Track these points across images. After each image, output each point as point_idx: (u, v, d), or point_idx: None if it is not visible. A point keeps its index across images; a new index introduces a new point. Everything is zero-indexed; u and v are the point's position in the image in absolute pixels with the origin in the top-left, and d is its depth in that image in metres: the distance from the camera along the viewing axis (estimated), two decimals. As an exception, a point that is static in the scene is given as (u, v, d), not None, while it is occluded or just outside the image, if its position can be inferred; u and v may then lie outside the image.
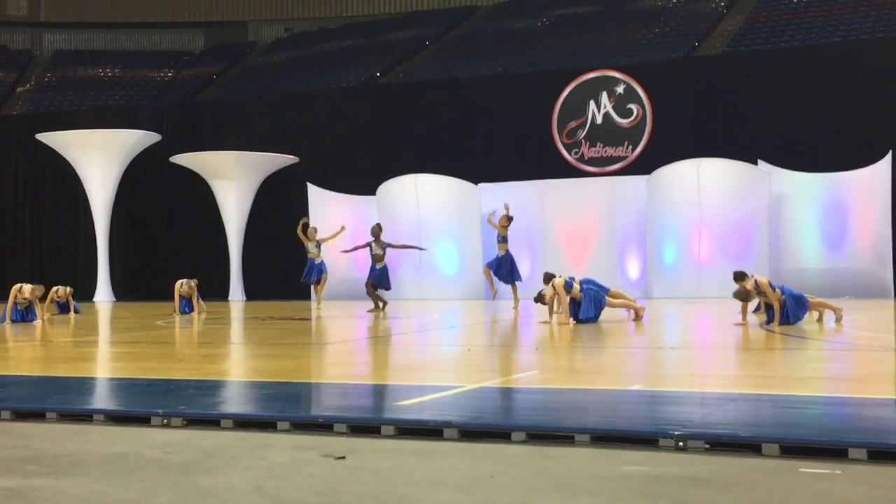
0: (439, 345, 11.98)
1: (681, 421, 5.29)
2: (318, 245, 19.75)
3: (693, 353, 10.14)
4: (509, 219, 18.63)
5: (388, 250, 18.69)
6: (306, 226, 20.07)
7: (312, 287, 20.24)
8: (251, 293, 27.33)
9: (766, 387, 7.04)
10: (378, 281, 18.23)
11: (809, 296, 12.90)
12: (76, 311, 18.62)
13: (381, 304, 18.05)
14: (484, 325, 14.97)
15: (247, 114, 29.75)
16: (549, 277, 13.78)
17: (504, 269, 18.57)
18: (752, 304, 13.00)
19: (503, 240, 18.47)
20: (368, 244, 18.46)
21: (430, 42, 46.35)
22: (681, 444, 4.78)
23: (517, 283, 18.72)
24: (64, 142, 27.93)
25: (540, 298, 13.74)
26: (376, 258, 18.26)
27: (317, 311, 18.51)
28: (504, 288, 19.29)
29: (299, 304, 22.52)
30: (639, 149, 24.56)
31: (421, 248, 20.91)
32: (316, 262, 19.68)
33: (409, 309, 19.60)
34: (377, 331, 14.13)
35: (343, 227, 20.13)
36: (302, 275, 20.21)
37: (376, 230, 18.46)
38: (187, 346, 11.83)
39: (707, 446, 4.73)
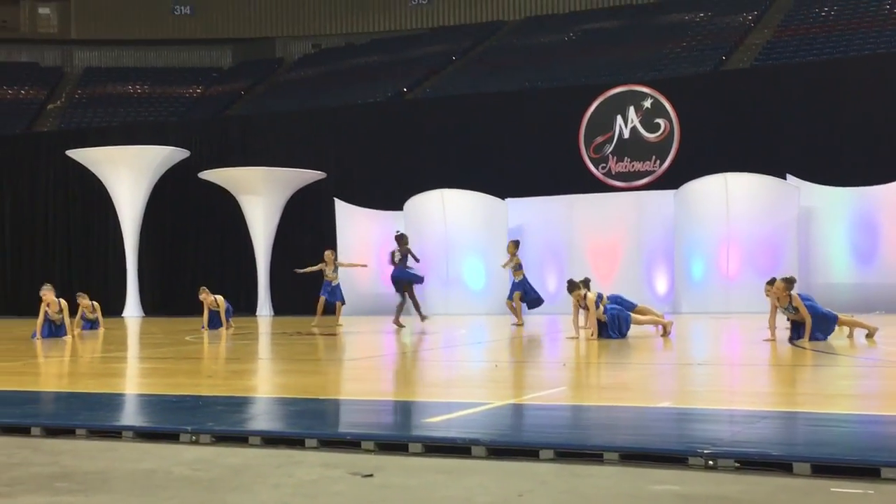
0: (466, 361, 11.96)
1: (710, 439, 5.25)
2: (336, 269, 19.55)
3: (722, 370, 10.07)
4: (516, 244, 18.52)
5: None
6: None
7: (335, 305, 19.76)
8: (279, 308, 27.42)
9: (797, 404, 6.99)
10: (407, 279, 18.22)
11: (843, 315, 12.81)
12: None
13: (420, 315, 18.27)
14: (511, 341, 14.93)
15: (275, 129, 29.90)
16: (587, 282, 13.77)
17: (531, 294, 18.43)
18: (782, 322, 12.88)
19: (519, 266, 18.36)
20: (393, 252, 18.36)
21: (456, 57, 46.48)
22: (710, 462, 4.75)
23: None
24: (94, 158, 28.17)
25: (572, 286, 13.64)
26: (399, 264, 18.20)
27: (337, 328, 18.26)
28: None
29: (327, 319, 22.56)
30: (666, 163, 24.49)
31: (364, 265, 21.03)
32: (333, 284, 19.46)
33: (436, 324, 19.59)
34: (404, 346, 14.14)
35: (366, 265, 20.27)
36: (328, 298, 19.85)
37: (400, 237, 18.40)
38: (215, 361, 11.88)
39: (737, 465, 4.69)
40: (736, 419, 6.24)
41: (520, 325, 17.74)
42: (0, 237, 32.05)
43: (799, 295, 12.47)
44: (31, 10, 54.73)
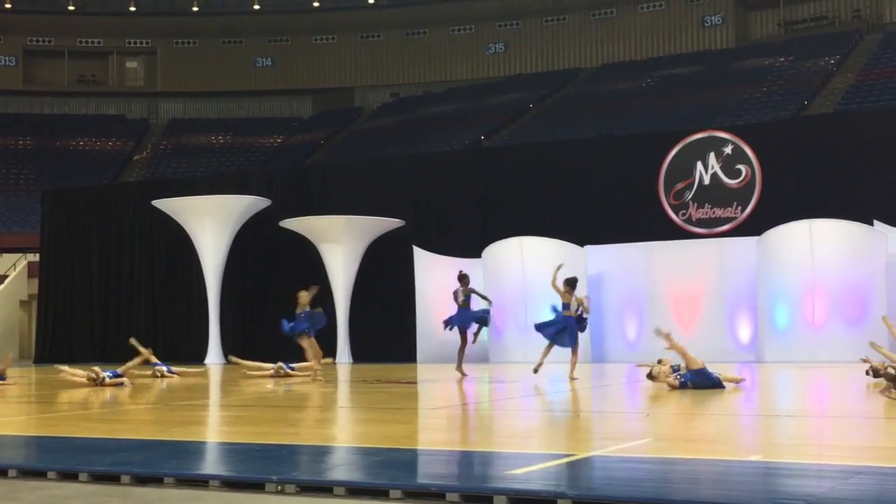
0: (547, 410, 11.87)
1: (804, 495, 5.13)
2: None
3: (811, 422, 9.83)
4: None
5: (472, 297, 18.19)
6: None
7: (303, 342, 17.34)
8: (358, 355, 27.54)
9: (892, 459, 6.78)
10: (460, 321, 17.76)
11: None
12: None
13: (463, 372, 17.57)
14: (592, 390, 14.79)
15: (354, 178, 30.21)
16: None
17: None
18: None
19: (567, 306, 16.72)
20: (455, 291, 17.99)
21: (533, 105, 46.72)
22: (805, 520, 4.63)
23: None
24: (178, 208, 28.71)
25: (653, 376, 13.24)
26: (462, 305, 17.92)
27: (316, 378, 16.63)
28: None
29: (406, 366, 22.63)
30: (748, 209, 24.15)
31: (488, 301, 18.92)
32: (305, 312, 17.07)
33: (515, 372, 19.48)
34: (484, 396, 14.08)
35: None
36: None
37: (462, 277, 18.13)
38: (297, 410, 11.96)
39: (833, 523, 4.56)
40: (829, 474, 6.08)
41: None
42: (87, 286, 32.79)
43: None
44: (118, 64, 56.45)
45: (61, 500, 5.75)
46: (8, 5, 52.02)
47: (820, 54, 41.87)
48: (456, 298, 17.77)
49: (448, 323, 17.83)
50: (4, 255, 39.95)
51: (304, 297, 17.05)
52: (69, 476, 6.42)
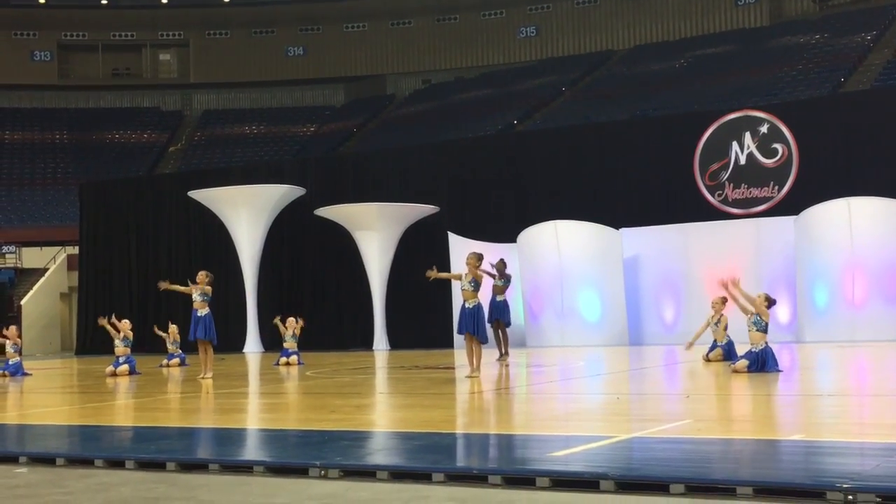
0: (586, 393, 11.87)
1: (848, 473, 5.10)
2: (204, 295, 15.34)
3: (853, 401, 9.76)
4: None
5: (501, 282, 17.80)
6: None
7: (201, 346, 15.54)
8: (394, 342, 27.64)
9: (936, 436, 6.73)
10: (500, 315, 17.69)
11: None
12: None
13: (503, 351, 17.60)
14: (630, 373, 14.77)
15: (387, 165, 30.27)
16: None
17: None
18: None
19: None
20: (493, 275, 17.77)
21: (566, 88, 46.52)
22: (850, 497, 4.61)
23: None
24: (214, 198, 28.91)
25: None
26: (496, 290, 17.83)
27: (203, 378, 14.90)
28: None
29: (443, 352, 22.67)
30: (785, 189, 23.96)
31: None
32: (199, 314, 15.38)
33: (552, 356, 19.48)
34: (522, 380, 14.10)
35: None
36: (190, 332, 15.72)
37: (500, 266, 18.04)
38: (337, 396, 12.03)
39: (879, 500, 4.54)
40: (873, 452, 6.05)
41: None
42: (126, 277, 33.14)
43: None
44: (152, 57, 56.84)
45: (110, 486, 5.84)
46: (42, 0, 52.49)
47: (856, 30, 41.35)
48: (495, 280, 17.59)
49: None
50: (44, 248, 40.44)
51: (203, 277, 15.54)
52: (116, 464, 6.52)
